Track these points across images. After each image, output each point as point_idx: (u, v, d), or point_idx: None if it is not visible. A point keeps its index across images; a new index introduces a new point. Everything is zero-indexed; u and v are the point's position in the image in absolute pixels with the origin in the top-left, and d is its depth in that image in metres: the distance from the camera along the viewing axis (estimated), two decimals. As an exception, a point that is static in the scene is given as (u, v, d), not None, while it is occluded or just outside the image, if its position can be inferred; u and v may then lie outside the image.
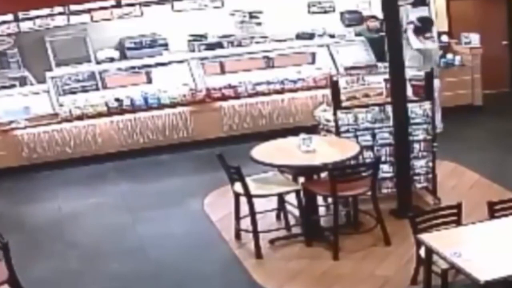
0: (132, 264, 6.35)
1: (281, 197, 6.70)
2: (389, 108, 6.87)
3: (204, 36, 11.16)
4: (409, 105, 6.82)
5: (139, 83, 10.29)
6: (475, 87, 10.75)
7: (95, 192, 8.42)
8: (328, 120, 7.17)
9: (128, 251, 6.66)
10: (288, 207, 6.74)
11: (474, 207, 5.79)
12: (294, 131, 7.50)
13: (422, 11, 11.35)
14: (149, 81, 10.39)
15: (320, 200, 6.83)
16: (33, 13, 10.27)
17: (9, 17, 10.24)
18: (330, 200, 6.66)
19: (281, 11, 11.16)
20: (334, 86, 6.99)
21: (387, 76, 6.96)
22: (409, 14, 11.22)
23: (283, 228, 6.73)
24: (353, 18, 11.46)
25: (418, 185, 7.15)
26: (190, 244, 6.71)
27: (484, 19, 11.31)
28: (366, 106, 7.05)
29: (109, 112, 9.61)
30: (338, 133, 6.95)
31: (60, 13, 10.47)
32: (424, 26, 9.09)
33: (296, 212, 6.63)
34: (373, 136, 6.97)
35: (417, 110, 6.96)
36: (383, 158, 6.88)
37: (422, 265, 5.05)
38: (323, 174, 6.50)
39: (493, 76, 11.01)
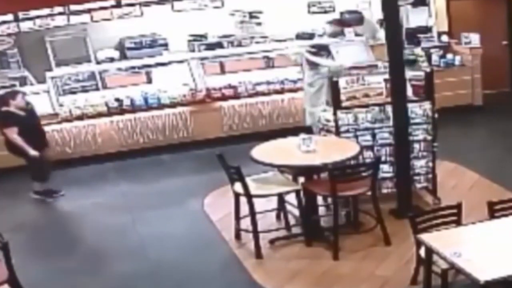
0: (132, 264, 6.35)
1: (281, 197, 6.70)
2: (389, 108, 6.87)
3: (204, 36, 11.17)
4: (409, 105, 6.82)
5: (139, 83, 10.30)
6: (475, 87, 10.75)
7: (95, 192, 8.43)
8: (328, 120, 7.17)
9: (128, 251, 6.66)
10: (288, 207, 6.74)
11: (474, 207, 5.79)
12: (294, 131, 7.50)
13: (422, 11, 11.40)
14: (149, 81, 10.40)
15: (320, 200, 6.83)
16: (33, 13, 10.29)
17: (9, 17, 10.25)
18: (330, 200, 6.66)
19: (281, 11, 11.16)
20: (334, 86, 6.99)
21: (387, 76, 6.96)
22: (409, 15, 11.27)
23: (283, 228, 6.73)
24: (353, 18, 11.46)
25: (418, 185, 7.15)
26: (190, 244, 6.71)
27: (484, 19, 11.31)
28: (366, 106, 7.05)
29: (109, 112, 9.62)
30: (338, 133, 6.95)
31: (60, 13, 10.49)
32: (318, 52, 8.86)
33: (296, 212, 6.63)
34: (373, 136, 6.97)
35: (417, 110, 6.96)
36: (383, 158, 6.87)
37: (422, 265, 5.05)
38: (323, 174, 6.50)
39: (493, 76, 11.01)
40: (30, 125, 8.20)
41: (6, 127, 8.15)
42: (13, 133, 8.05)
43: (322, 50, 8.64)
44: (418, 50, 10.34)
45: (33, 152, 8.02)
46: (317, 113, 8.18)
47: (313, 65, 8.61)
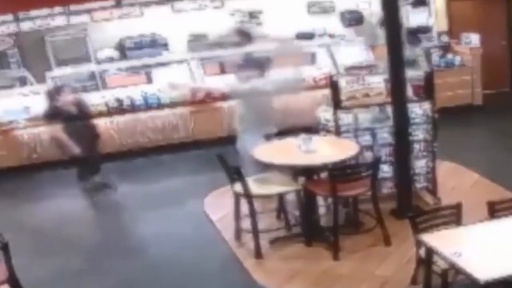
0: (132, 264, 6.36)
1: (281, 197, 6.70)
2: (389, 108, 6.87)
3: (204, 36, 11.16)
4: (409, 105, 6.82)
5: (139, 83, 10.30)
6: (475, 87, 10.76)
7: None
8: (328, 120, 7.17)
9: (128, 251, 6.66)
10: (288, 207, 6.74)
11: (474, 207, 5.77)
12: (294, 131, 7.49)
13: (422, 11, 11.41)
14: (149, 81, 10.40)
15: (320, 200, 6.83)
16: (33, 13, 10.28)
17: (9, 17, 10.24)
18: (330, 200, 6.66)
19: (281, 11, 11.15)
20: (334, 86, 6.99)
21: (387, 76, 6.96)
22: (409, 15, 11.27)
23: (283, 228, 6.73)
24: (353, 18, 11.47)
25: (418, 185, 7.14)
26: (190, 244, 6.71)
27: (484, 19, 11.32)
28: (366, 106, 7.05)
29: (109, 112, 9.62)
30: (338, 133, 6.95)
31: (60, 13, 10.48)
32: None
33: (296, 212, 6.63)
34: (373, 136, 6.97)
35: (417, 110, 6.96)
36: (383, 158, 6.88)
37: (422, 265, 5.04)
38: (323, 174, 6.50)
39: (493, 76, 11.02)
40: (79, 120, 8.21)
41: (51, 123, 8.23)
42: (57, 130, 8.12)
43: (251, 64, 7.50)
44: (418, 50, 10.38)
45: (76, 150, 8.06)
46: (243, 139, 7.37)
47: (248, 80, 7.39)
